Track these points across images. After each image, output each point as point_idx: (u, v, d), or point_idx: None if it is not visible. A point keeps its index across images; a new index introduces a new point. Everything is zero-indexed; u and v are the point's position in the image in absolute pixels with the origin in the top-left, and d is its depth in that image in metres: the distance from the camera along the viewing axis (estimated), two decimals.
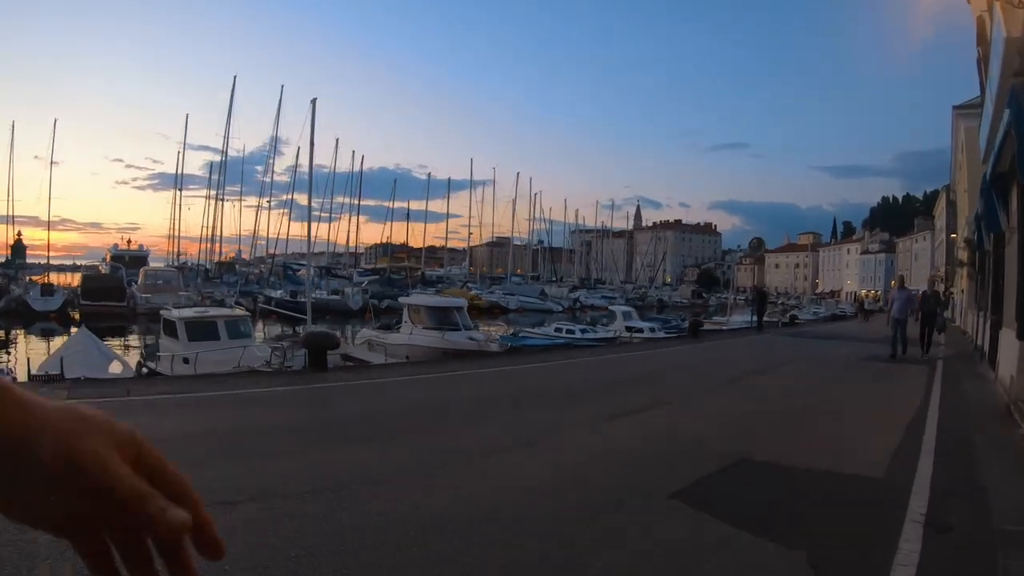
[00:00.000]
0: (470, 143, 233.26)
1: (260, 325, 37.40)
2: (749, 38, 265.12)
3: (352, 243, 70.13)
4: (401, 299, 23.43)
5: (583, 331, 25.60)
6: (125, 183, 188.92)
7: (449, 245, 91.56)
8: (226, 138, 48.26)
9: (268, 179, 56.52)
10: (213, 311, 16.43)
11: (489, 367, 11.98)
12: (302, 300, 39.44)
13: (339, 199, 62.28)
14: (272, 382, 9.92)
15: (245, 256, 62.88)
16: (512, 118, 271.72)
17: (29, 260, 56.69)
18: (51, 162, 41.98)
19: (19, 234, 51.68)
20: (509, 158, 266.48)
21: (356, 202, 62.68)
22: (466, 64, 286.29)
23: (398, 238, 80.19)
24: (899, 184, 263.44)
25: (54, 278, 41.58)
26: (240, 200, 57.87)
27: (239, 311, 16.76)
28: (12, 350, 23.51)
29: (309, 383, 9.81)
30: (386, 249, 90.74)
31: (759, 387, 9.74)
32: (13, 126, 48.34)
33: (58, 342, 21.35)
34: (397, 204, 70.64)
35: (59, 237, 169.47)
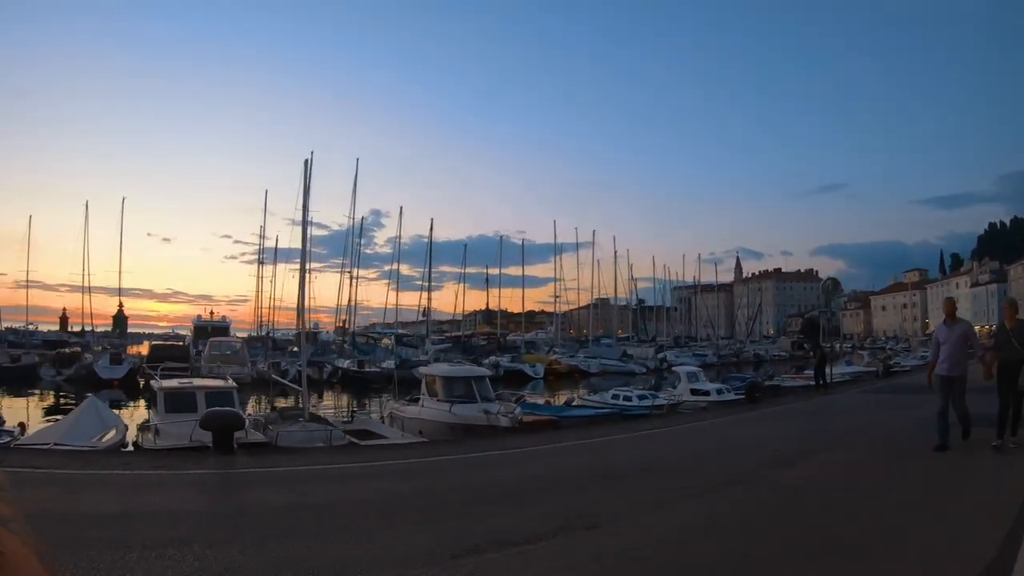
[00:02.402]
0: (552, 204, 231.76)
1: (329, 393, 37.72)
2: (838, 73, 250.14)
3: (457, 310, 70.94)
4: (420, 369, 21.85)
5: (640, 397, 22.84)
6: (234, 258, 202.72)
7: (554, 309, 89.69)
8: (306, 209, 49.12)
9: (352, 251, 55.15)
10: (197, 382, 15.55)
11: (446, 454, 9.90)
12: (368, 370, 39.70)
13: (444, 268, 63.08)
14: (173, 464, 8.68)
15: (348, 326, 62.84)
16: (594, 175, 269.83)
17: (138, 330, 60.29)
18: (118, 234, 44.01)
19: (120, 305, 55.07)
20: (594, 217, 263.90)
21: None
22: (537, 124, 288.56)
23: (496, 304, 79.88)
24: (1004, 208, 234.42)
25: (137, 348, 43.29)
26: (343, 271, 58.35)
27: (223, 383, 15.70)
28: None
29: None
30: (486, 316, 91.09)
31: (759, 495, 6.67)
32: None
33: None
34: (492, 270, 70.66)
35: (171, 308, 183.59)
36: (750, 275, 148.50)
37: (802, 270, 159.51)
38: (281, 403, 24.00)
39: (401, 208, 67.10)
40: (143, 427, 14.90)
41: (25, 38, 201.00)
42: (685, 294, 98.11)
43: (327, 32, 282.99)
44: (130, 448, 12.85)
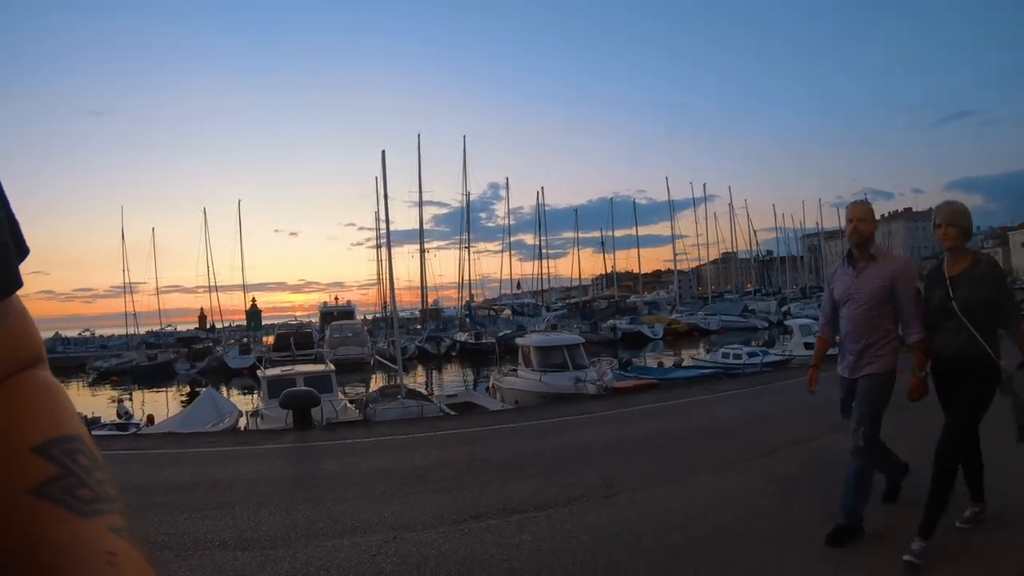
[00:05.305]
0: (666, 161, 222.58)
1: (450, 367, 39.31)
2: None
3: (574, 275, 71.49)
4: (517, 339, 22.13)
5: (751, 354, 21.98)
6: (360, 244, 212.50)
7: (678, 268, 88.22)
8: (420, 192, 51.18)
9: (465, 227, 56.46)
10: (298, 368, 16.64)
11: (508, 422, 10.02)
12: (484, 341, 40.87)
13: (567, 234, 63.85)
14: (253, 441, 9.77)
15: (479, 300, 64.58)
16: (705, 127, 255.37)
17: (274, 320, 65.07)
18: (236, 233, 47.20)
19: (253, 300, 59.85)
20: (708, 171, 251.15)
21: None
22: (647, 80, 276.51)
23: (621, 266, 79.35)
24: None
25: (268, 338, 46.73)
26: (465, 247, 59.92)
27: (323, 367, 16.81)
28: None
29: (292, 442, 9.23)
30: (609, 279, 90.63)
31: (798, 464, 5.92)
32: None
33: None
34: (609, 233, 70.33)
35: (305, 298, 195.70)
36: (880, 217, 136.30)
37: (933, 208, 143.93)
38: (378, 381, 25.19)
39: (507, 180, 67.51)
40: (252, 413, 16.27)
41: (135, 66, 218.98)
42: (815, 242, 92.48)
43: (423, 11, 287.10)
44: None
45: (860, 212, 4.10)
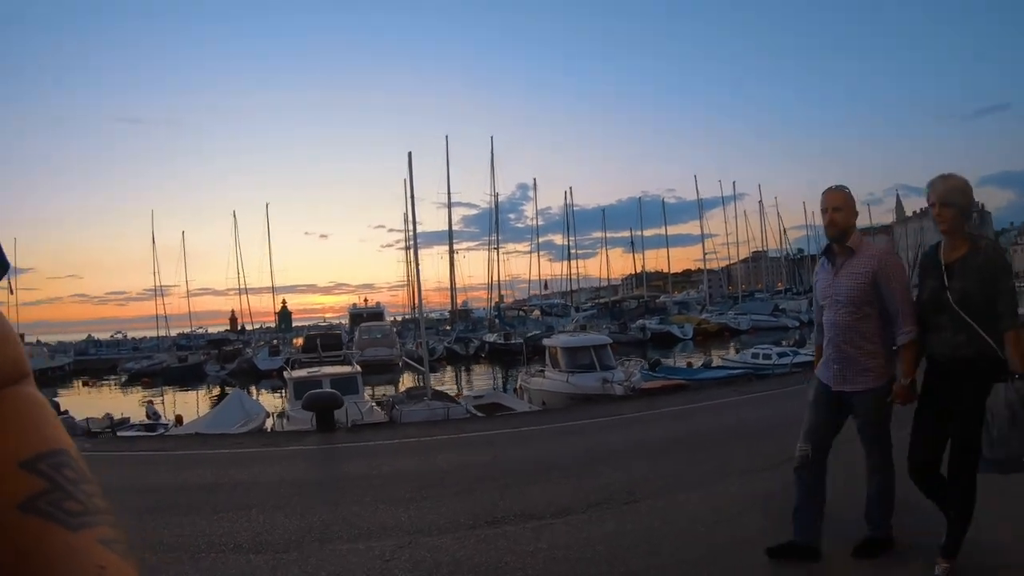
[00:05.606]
0: (695, 159, 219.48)
1: (478, 368, 39.38)
2: None
3: (602, 275, 71.29)
4: (544, 340, 22.02)
5: (781, 355, 21.63)
6: (389, 246, 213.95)
7: (708, 267, 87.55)
8: (448, 194, 51.37)
9: (493, 227, 56.49)
10: (325, 370, 16.73)
11: (533, 424, 9.99)
12: (513, 342, 40.85)
13: (596, 234, 63.63)
14: (277, 443, 9.89)
15: (508, 301, 64.64)
16: (734, 123, 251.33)
17: (304, 322, 65.83)
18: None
19: (284, 302, 60.66)
20: (737, 169, 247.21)
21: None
22: (674, 78, 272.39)
23: (651, 266, 78.86)
24: None
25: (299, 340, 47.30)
26: (493, 249, 59.76)
27: (349, 369, 16.90)
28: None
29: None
30: (639, 279, 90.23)
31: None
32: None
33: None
34: (637, 232, 70.07)
35: (335, 300, 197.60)
36: (911, 214, 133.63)
37: (983, 204, 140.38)
38: (407, 382, 25.23)
39: (535, 180, 67.27)
40: (279, 414, 16.39)
41: (164, 73, 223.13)
42: None
43: (450, 15, 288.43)
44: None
45: (836, 199, 3.52)
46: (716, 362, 24.79)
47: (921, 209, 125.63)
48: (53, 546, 0.45)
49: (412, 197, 20.13)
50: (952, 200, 3.19)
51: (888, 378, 3.45)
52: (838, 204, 3.50)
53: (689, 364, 24.30)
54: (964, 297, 3.11)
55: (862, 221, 4.54)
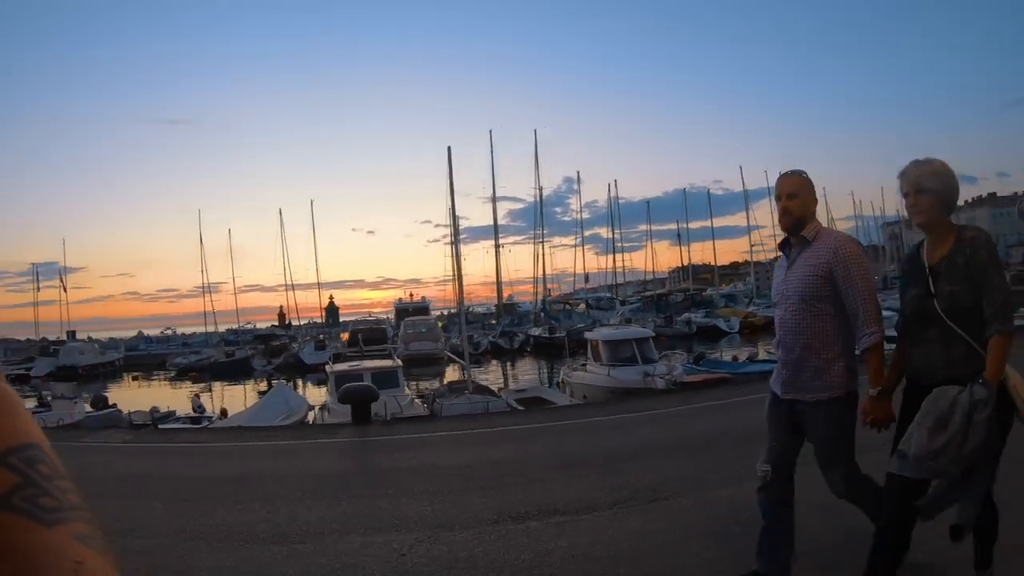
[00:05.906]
0: (741, 149, 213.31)
1: (523, 362, 39.35)
2: None
3: (647, 268, 70.52)
4: (586, 333, 21.77)
5: None
6: (436, 241, 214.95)
7: (755, 259, 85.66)
8: (493, 189, 51.53)
9: (538, 221, 56.16)
10: (365, 364, 16.85)
11: (569, 419, 9.80)
12: (557, 336, 40.64)
13: (641, 227, 62.88)
14: (311, 435, 10.12)
15: (555, 294, 64.12)
16: (783, 113, 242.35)
17: (352, 317, 66.81)
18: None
19: (331, 297, 61.66)
20: (786, 158, 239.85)
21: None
22: (719, 69, 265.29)
23: (697, 258, 77.71)
24: None
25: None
26: (539, 242, 59.25)
27: (389, 363, 17.01)
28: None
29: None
30: (685, 272, 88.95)
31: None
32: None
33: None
34: (685, 225, 69.01)
35: (383, 295, 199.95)
36: (962, 202, 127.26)
37: (1019, 192, 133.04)
38: (451, 376, 25.30)
39: (578, 173, 66.61)
40: (320, 407, 16.59)
41: (210, 74, 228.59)
42: (896, 230, 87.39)
43: (493, 9, 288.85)
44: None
45: (790, 185, 3.08)
46: (761, 355, 24.13)
47: (972, 199, 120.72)
48: (29, 543, 0.43)
49: (452, 191, 20.13)
50: (927, 185, 2.67)
51: (847, 391, 2.98)
52: (793, 190, 3.08)
53: (734, 358, 23.75)
54: (952, 305, 2.59)
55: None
